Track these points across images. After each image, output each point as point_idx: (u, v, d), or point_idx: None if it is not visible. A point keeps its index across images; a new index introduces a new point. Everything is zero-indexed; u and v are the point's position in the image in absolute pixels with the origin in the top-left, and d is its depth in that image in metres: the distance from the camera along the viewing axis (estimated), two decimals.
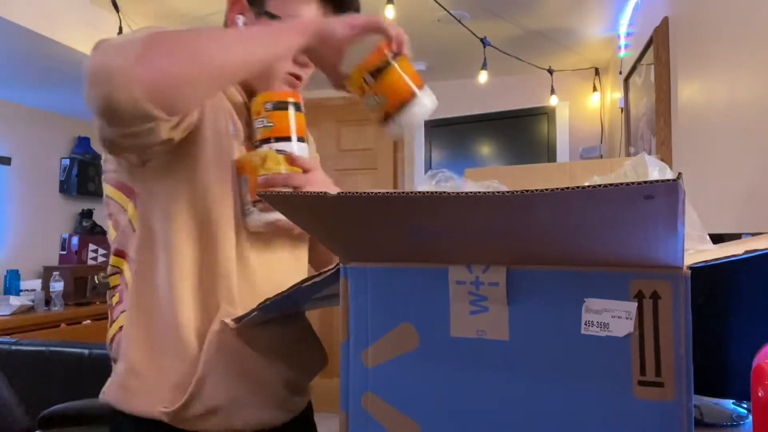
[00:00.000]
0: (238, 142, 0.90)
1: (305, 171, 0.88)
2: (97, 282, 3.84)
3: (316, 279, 0.67)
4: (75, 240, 3.90)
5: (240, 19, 0.94)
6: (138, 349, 0.84)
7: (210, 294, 0.84)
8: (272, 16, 0.90)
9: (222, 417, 0.83)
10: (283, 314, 0.90)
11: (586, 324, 0.52)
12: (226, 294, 0.84)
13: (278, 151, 0.88)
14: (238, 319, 0.80)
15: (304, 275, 0.80)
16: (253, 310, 0.77)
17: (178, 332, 0.82)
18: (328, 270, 0.66)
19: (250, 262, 0.88)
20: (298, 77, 0.97)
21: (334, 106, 4.17)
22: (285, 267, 0.95)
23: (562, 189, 0.42)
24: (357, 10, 0.97)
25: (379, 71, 0.86)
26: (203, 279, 0.84)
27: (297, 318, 0.98)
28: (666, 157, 2.11)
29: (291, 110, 0.92)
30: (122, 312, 0.91)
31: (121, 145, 0.72)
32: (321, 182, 0.88)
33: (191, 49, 0.69)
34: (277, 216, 0.84)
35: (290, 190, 0.85)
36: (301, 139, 0.92)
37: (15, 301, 3.22)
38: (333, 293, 0.69)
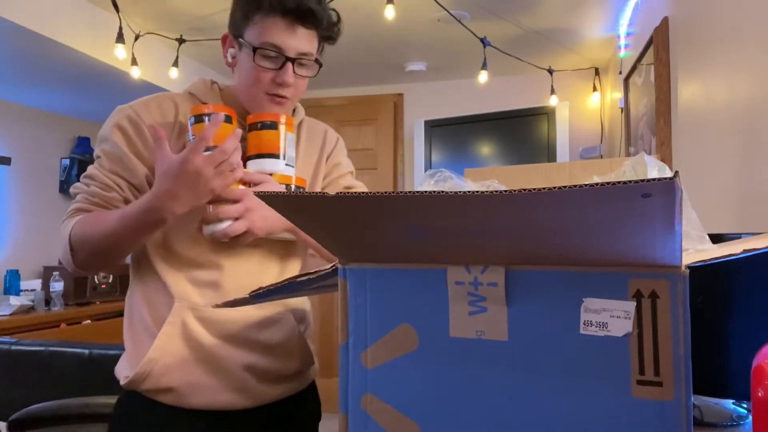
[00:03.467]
0: None
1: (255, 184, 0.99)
2: (97, 282, 3.83)
3: (311, 276, 0.67)
4: None
5: (230, 52, 1.07)
6: (126, 333, 1.06)
7: (168, 291, 1.01)
8: (249, 46, 1.01)
9: (177, 395, 0.99)
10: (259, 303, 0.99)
11: (584, 324, 0.52)
12: (182, 290, 1.01)
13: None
14: (227, 303, 0.86)
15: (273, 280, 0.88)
16: (244, 297, 0.80)
17: (146, 322, 1.02)
18: (323, 269, 0.66)
19: (215, 264, 1.02)
20: (281, 96, 1.05)
21: (334, 106, 4.18)
22: (253, 270, 1.05)
23: (560, 188, 0.42)
24: (328, 24, 1.06)
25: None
26: (168, 280, 1.01)
27: (272, 307, 1.06)
28: (666, 157, 2.11)
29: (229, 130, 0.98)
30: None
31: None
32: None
33: (94, 248, 0.98)
34: (213, 228, 0.96)
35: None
36: (258, 156, 1.02)
37: (15, 301, 3.22)
38: (330, 284, 0.69)
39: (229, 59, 1.07)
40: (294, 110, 1.16)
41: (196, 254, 1.01)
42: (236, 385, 1.01)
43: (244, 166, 1.01)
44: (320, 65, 1.08)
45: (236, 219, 0.95)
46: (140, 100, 1.05)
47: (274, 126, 1.01)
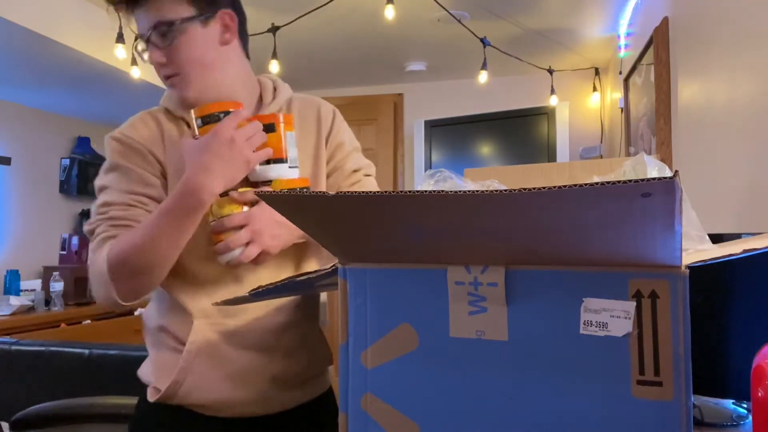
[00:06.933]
0: None
1: (252, 205, 0.95)
2: None
3: (311, 276, 0.67)
4: (75, 240, 3.90)
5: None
6: (147, 340, 1.06)
7: (186, 308, 0.99)
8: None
9: (204, 409, 0.98)
10: (265, 303, 1.00)
11: (584, 324, 0.52)
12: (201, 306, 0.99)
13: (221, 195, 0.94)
14: (227, 302, 0.87)
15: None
16: (244, 296, 0.80)
17: (165, 333, 1.01)
18: (323, 269, 0.66)
19: (235, 277, 1.00)
20: (166, 77, 0.99)
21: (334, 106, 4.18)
22: (272, 276, 1.00)
23: (560, 187, 0.42)
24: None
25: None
26: (186, 299, 0.99)
27: (289, 310, 1.03)
28: (666, 157, 2.11)
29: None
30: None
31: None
32: (261, 216, 0.93)
33: (136, 266, 0.91)
34: (228, 257, 0.92)
35: (240, 227, 0.92)
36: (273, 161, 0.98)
37: (15, 301, 3.23)
38: (330, 283, 0.69)
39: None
40: (275, 90, 1.08)
41: (213, 272, 0.98)
42: (260, 396, 1.00)
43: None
44: (200, 17, 0.97)
45: (247, 244, 0.92)
46: (124, 124, 1.02)
47: (272, 128, 0.97)
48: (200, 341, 0.96)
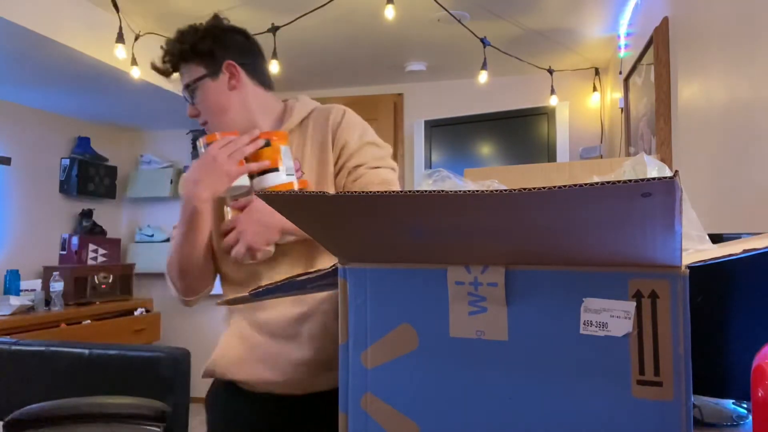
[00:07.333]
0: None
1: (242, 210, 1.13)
2: (97, 282, 3.83)
3: (311, 275, 0.67)
4: (75, 240, 3.90)
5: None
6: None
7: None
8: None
9: (242, 385, 1.18)
10: (291, 298, 1.14)
11: (584, 324, 0.52)
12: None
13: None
14: (229, 300, 0.96)
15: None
16: (244, 296, 0.83)
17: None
18: (323, 269, 0.66)
19: (255, 275, 1.18)
20: (204, 123, 1.22)
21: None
22: (286, 273, 1.15)
23: (560, 188, 0.42)
24: (181, 52, 1.20)
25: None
26: (225, 294, 1.20)
27: (312, 302, 1.16)
28: (666, 157, 2.11)
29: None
30: None
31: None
32: (245, 219, 1.12)
33: (178, 268, 1.17)
34: (233, 256, 1.12)
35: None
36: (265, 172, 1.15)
37: (15, 301, 3.22)
38: (330, 283, 0.69)
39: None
40: (291, 111, 1.24)
41: (238, 273, 1.19)
42: (288, 378, 1.15)
43: (251, 183, 1.15)
44: (209, 74, 1.19)
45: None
46: None
47: (267, 144, 1.14)
48: (234, 330, 1.19)
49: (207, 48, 1.18)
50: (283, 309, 1.15)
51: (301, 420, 1.17)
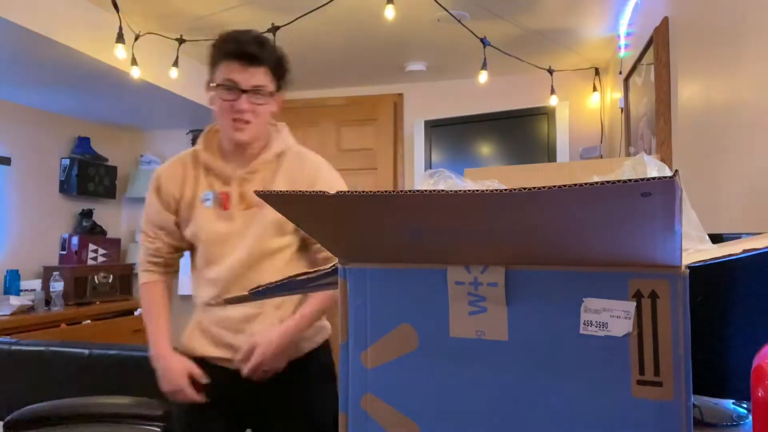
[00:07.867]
0: (215, 207, 1.41)
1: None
2: (96, 282, 3.83)
3: (310, 275, 0.67)
4: (75, 240, 3.90)
5: (209, 97, 1.40)
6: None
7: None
8: (215, 85, 1.37)
9: (213, 362, 1.41)
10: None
11: (584, 324, 0.52)
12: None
13: None
14: (230, 299, 0.99)
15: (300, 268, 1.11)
16: (244, 295, 0.84)
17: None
18: (323, 269, 0.66)
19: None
20: (246, 121, 1.36)
21: (334, 106, 4.17)
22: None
23: (560, 188, 0.42)
24: (274, 64, 1.40)
25: None
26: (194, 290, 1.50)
27: (261, 305, 1.40)
28: (666, 157, 2.11)
29: None
30: None
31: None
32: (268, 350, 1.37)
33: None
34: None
35: None
36: None
37: (15, 301, 3.22)
38: (330, 282, 0.69)
39: (209, 102, 1.40)
40: (271, 144, 1.43)
41: (212, 273, 1.44)
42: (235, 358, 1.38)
43: None
44: (275, 93, 1.40)
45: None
46: (167, 164, 1.47)
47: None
48: (196, 320, 1.46)
49: (284, 73, 1.42)
50: (241, 308, 1.38)
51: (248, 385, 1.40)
